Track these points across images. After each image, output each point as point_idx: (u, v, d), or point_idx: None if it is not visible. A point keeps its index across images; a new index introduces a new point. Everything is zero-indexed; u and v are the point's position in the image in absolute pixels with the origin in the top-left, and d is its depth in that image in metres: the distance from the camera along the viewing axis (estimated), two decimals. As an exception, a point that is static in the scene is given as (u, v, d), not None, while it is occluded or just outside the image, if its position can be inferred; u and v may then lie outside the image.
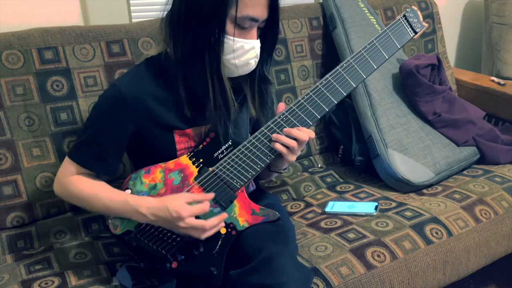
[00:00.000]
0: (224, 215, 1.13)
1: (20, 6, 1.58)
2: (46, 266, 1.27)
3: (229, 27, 1.07)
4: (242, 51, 1.09)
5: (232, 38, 1.07)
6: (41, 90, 1.38)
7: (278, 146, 1.12)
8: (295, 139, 1.12)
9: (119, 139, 1.14)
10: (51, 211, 1.41)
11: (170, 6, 1.12)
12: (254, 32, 1.10)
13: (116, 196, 1.12)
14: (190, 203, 1.08)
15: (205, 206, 1.09)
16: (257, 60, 1.14)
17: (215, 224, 1.10)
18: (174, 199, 1.08)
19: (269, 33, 1.15)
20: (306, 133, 1.12)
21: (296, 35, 1.79)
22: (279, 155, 1.14)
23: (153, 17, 1.63)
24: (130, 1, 1.77)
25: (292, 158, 1.14)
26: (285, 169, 1.28)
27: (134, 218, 1.11)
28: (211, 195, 1.12)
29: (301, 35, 1.80)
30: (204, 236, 1.09)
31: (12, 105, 1.35)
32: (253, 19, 1.07)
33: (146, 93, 1.12)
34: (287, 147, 1.12)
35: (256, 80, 1.20)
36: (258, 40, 1.12)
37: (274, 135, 1.12)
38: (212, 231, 1.10)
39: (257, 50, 1.12)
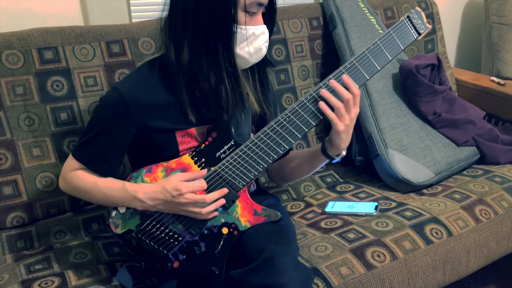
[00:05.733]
0: (224, 190, 1.12)
1: (20, 6, 1.58)
2: (46, 266, 1.27)
3: (240, 15, 1.08)
4: (254, 37, 1.11)
5: (244, 26, 1.09)
6: (41, 90, 1.37)
7: (322, 105, 1.11)
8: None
9: (120, 142, 1.15)
10: (51, 211, 1.41)
11: (168, 12, 1.12)
12: (260, 17, 1.12)
13: (114, 184, 1.13)
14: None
15: (202, 183, 1.09)
16: (267, 45, 1.16)
17: (216, 197, 1.10)
18: (169, 178, 1.09)
19: (267, 18, 1.16)
20: (353, 93, 1.10)
21: (296, 35, 1.79)
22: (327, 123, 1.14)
23: (153, 17, 1.63)
24: (130, 1, 1.77)
25: (340, 126, 1.11)
26: (340, 156, 1.22)
27: (132, 205, 1.11)
28: (204, 171, 1.12)
29: (301, 35, 1.80)
30: (205, 211, 1.09)
31: (12, 105, 1.35)
32: (259, 4, 1.09)
33: (147, 96, 1.12)
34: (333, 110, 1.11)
35: (256, 71, 1.21)
36: (265, 26, 1.14)
37: (322, 91, 1.11)
38: (213, 206, 1.10)
39: (267, 35, 1.14)
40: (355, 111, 1.13)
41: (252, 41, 1.11)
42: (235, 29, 1.08)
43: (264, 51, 1.16)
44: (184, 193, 1.06)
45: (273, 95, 1.33)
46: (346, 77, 1.11)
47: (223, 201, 1.12)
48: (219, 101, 1.12)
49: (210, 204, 1.10)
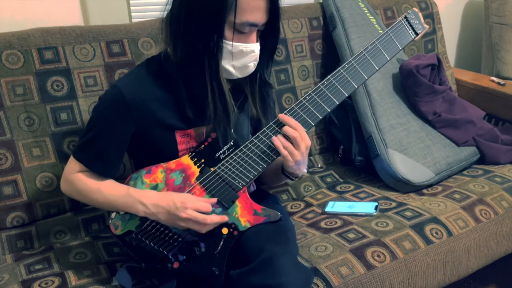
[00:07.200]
0: (225, 217, 1.12)
1: (20, 6, 1.58)
2: (46, 266, 1.27)
3: (228, 32, 1.06)
4: (241, 55, 1.09)
5: (230, 42, 1.07)
6: (41, 90, 1.38)
7: (276, 141, 1.12)
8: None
9: (120, 140, 1.15)
10: (51, 211, 1.41)
11: (170, 6, 1.12)
12: (254, 36, 1.09)
13: (118, 189, 1.13)
14: None
15: (208, 206, 1.10)
16: (256, 63, 1.13)
17: (217, 221, 1.10)
18: (179, 193, 1.11)
19: (269, 36, 1.14)
20: (297, 131, 1.11)
21: (296, 35, 1.79)
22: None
23: (153, 17, 1.63)
24: (130, 1, 1.77)
25: (290, 162, 1.13)
26: (298, 178, 1.24)
27: (134, 210, 1.11)
28: (214, 200, 1.13)
29: (301, 35, 1.80)
30: (204, 230, 1.10)
31: (12, 105, 1.35)
32: (253, 24, 1.07)
33: (147, 94, 1.12)
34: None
35: (257, 83, 1.20)
36: (258, 44, 1.11)
37: (274, 138, 1.12)
38: (211, 227, 1.11)
39: (256, 54, 1.11)
40: (304, 144, 1.12)
41: (239, 57, 1.09)
42: (221, 43, 1.06)
43: (252, 68, 1.13)
44: (188, 208, 1.07)
45: (271, 108, 1.32)
46: (282, 116, 1.12)
47: (224, 219, 1.12)
48: (204, 107, 1.12)
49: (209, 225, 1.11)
